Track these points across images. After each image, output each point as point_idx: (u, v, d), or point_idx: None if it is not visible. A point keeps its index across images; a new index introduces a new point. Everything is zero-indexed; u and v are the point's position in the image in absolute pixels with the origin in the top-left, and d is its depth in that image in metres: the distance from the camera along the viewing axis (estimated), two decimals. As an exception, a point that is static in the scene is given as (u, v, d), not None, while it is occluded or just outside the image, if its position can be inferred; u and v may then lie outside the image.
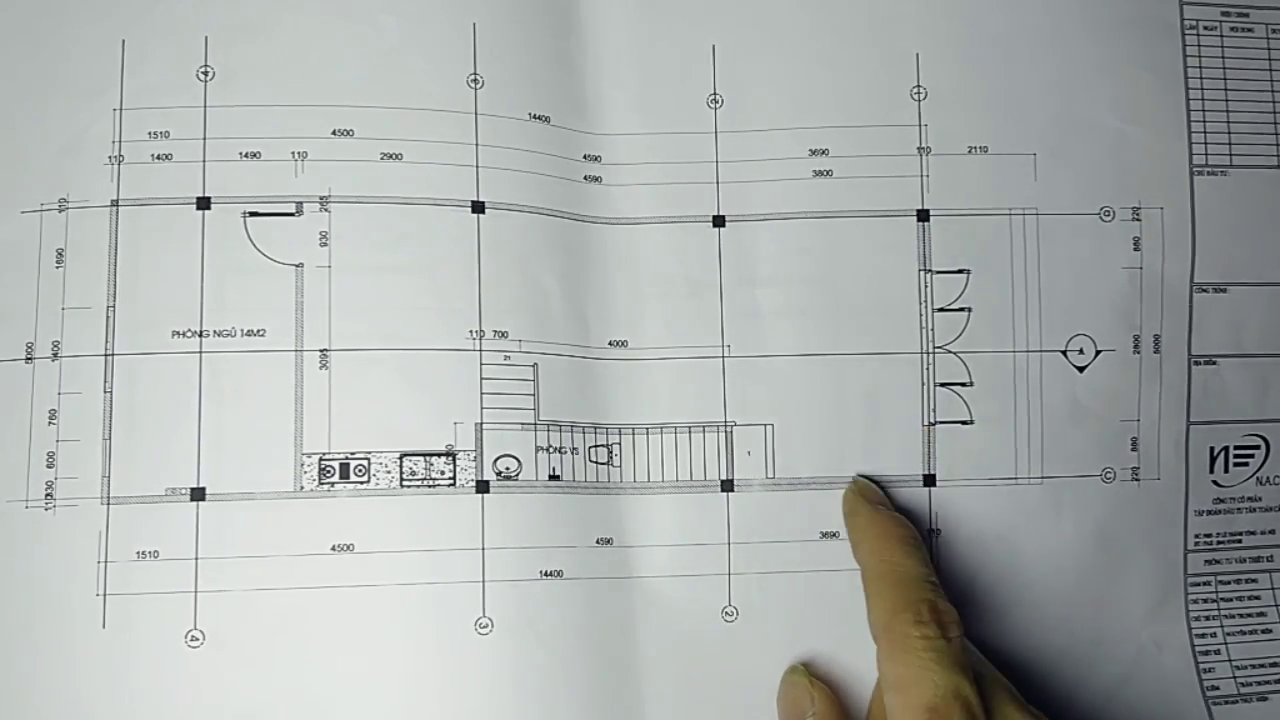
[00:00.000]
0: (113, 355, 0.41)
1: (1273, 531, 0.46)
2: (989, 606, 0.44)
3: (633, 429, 0.43)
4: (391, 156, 0.42)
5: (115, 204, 0.41)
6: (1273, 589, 0.46)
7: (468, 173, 0.42)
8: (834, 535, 0.44)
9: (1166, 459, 0.45)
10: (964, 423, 0.44)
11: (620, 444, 0.43)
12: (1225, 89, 0.46)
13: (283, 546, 0.41)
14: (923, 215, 0.44)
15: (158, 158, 0.41)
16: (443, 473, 0.41)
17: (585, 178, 0.44)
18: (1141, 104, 0.46)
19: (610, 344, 0.44)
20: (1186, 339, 0.45)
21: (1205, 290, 0.45)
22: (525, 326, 0.42)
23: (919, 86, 0.45)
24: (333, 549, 0.41)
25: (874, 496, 0.43)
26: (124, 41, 0.42)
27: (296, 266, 0.41)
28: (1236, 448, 0.46)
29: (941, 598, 0.39)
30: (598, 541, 0.43)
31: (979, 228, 0.45)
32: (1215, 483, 0.46)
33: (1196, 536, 0.46)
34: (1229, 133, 0.46)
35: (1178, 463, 0.45)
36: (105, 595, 0.40)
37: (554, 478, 0.42)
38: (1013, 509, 0.44)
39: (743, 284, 0.44)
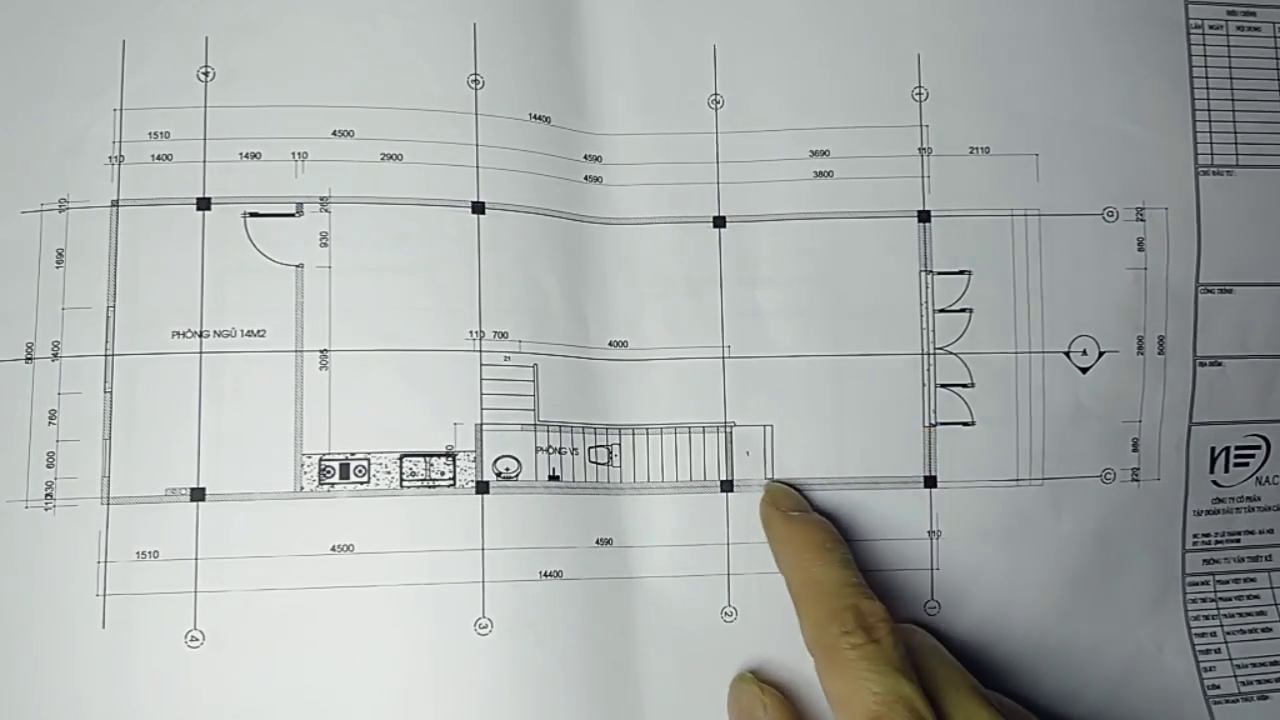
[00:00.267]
0: (113, 355, 0.41)
1: (1271, 531, 0.46)
2: (989, 607, 0.44)
3: (632, 429, 0.43)
4: (392, 157, 0.42)
5: (115, 204, 0.41)
6: (1272, 588, 0.46)
7: (468, 173, 0.42)
8: (834, 536, 0.44)
9: (1167, 459, 0.45)
10: (965, 424, 0.44)
11: (620, 444, 0.43)
12: (1231, 88, 0.46)
13: (283, 547, 0.41)
14: (924, 216, 0.44)
15: (158, 158, 0.41)
16: (443, 473, 0.41)
17: (586, 178, 0.44)
18: (1146, 104, 0.45)
19: (610, 344, 0.44)
20: (1191, 340, 0.45)
21: (1211, 291, 0.45)
22: (525, 327, 0.42)
23: (920, 87, 0.45)
24: (333, 549, 0.41)
25: (788, 503, 0.43)
26: (124, 42, 0.42)
27: (297, 267, 0.41)
28: (1237, 448, 0.46)
29: (865, 597, 0.39)
30: (597, 542, 0.43)
31: (981, 229, 0.44)
32: (1215, 483, 0.46)
33: (1194, 536, 0.45)
34: (1235, 132, 0.46)
35: (1178, 463, 0.45)
36: (105, 595, 0.40)
37: (554, 478, 0.42)
38: (1013, 510, 0.44)
39: (743, 284, 0.44)
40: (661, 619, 0.43)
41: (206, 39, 0.42)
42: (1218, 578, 0.46)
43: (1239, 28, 0.46)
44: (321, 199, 0.42)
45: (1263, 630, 0.46)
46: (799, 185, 0.44)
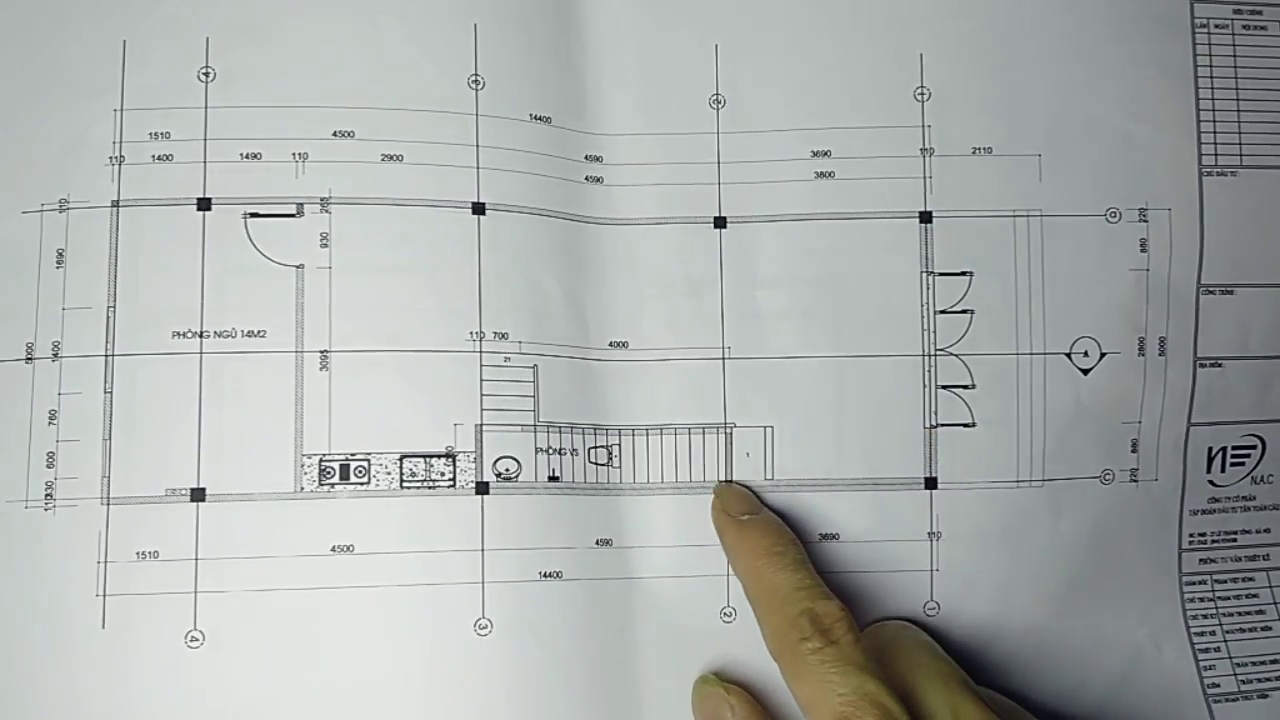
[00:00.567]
0: (113, 356, 0.41)
1: (1268, 530, 0.46)
2: (988, 608, 0.44)
3: (632, 430, 0.43)
4: (392, 158, 0.42)
5: (116, 204, 0.41)
6: (1270, 587, 0.46)
7: (468, 174, 0.42)
8: (834, 537, 0.44)
9: (1165, 460, 0.45)
10: (966, 425, 0.44)
11: (620, 445, 0.43)
12: (1236, 88, 0.46)
13: (283, 547, 0.41)
14: (925, 217, 0.44)
15: (158, 158, 0.41)
16: (443, 474, 0.41)
17: (586, 178, 0.44)
18: (1150, 104, 0.45)
19: (610, 345, 0.44)
20: (1192, 341, 0.45)
21: (1212, 292, 0.45)
22: (525, 328, 0.42)
23: (923, 87, 0.45)
24: (333, 550, 0.41)
25: (738, 506, 0.42)
26: (125, 42, 0.42)
27: (297, 268, 0.41)
28: (1234, 448, 0.46)
29: (820, 598, 0.38)
30: (597, 542, 0.43)
31: (983, 229, 0.44)
32: (1211, 482, 0.46)
33: (1191, 536, 0.46)
34: (1239, 133, 0.45)
35: (1176, 463, 0.45)
36: (105, 595, 0.40)
37: (554, 479, 0.42)
38: (1013, 511, 0.44)
39: (744, 285, 0.44)
40: (661, 619, 0.43)
41: (207, 40, 0.42)
42: (1215, 577, 0.46)
43: (1244, 26, 0.46)
44: (322, 200, 0.42)
45: (1262, 629, 0.46)
46: (800, 186, 0.44)
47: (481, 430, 0.42)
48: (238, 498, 0.41)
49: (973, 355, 0.44)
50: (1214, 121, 0.45)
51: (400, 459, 0.41)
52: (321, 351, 0.41)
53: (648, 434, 0.43)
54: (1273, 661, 0.46)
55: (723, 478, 0.43)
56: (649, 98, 0.44)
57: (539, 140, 0.43)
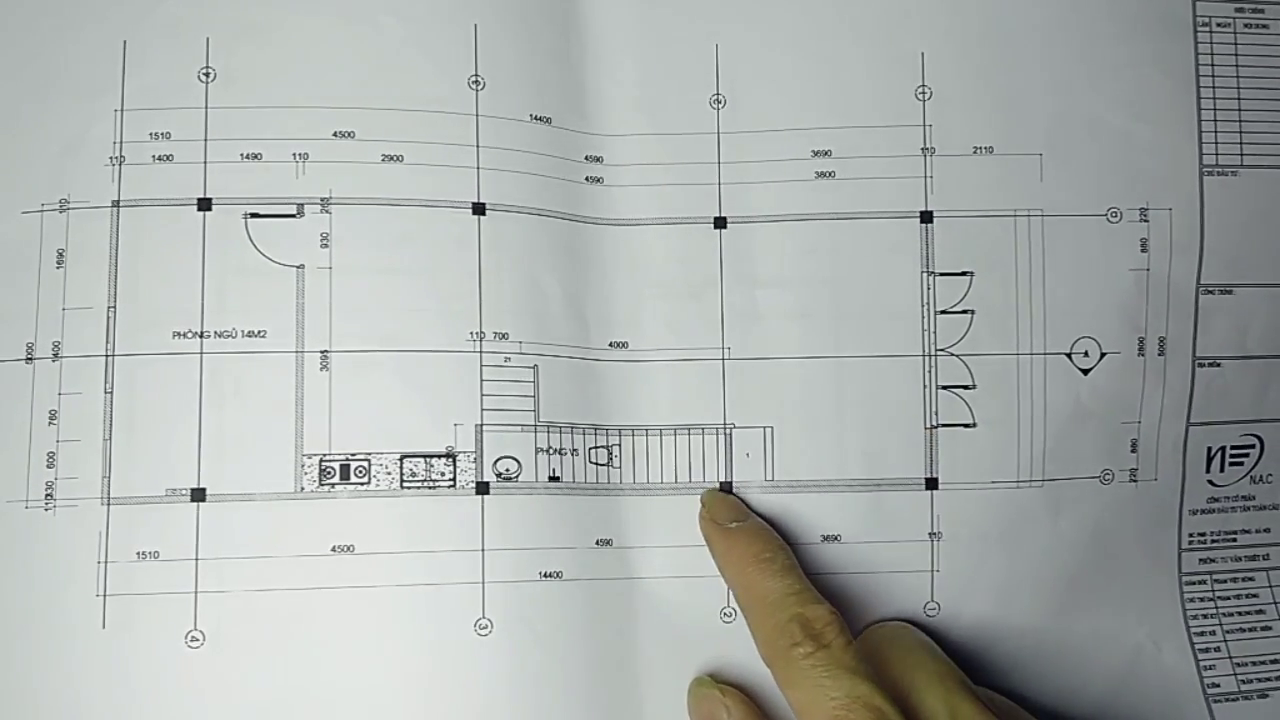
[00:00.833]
0: (113, 356, 0.41)
1: (1268, 530, 0.46)
2: (987, 608, 0.44)
3: (632, 430, 0.43)
4: (392, 158, 0.42)
5: (116, 205, 0.41)
6: (1270, 586, 0.46)
7: (469, 174, 0.42)
8: (835, 539, 0.44)
9: (1165, 460, 0.45)
10: (966, 425, 0.44)
11: (620, 445, 0.43)
12: (1237, 88, 0.46)
13: (283, 547, 0.41)
14: (926, 217, 0.44)
15: (159, 159, 0.41)
16: (443, 474, 0.41)
17: (587, 179, 0.44)
18: (1151, 103, 0.45)
19: (610, 345, 0.43)
20: (1191, 341, 0.45)
21: (1211, 292, 0.45)
22: (525, 328, 0.42)
23: (924, 86, 0.44)
24: (333, 550, 0.41)
25: (726, 514, 0.42)
26: (125, 42, 0.42)
27: (297, 268, 0.41)
28: (1233, 447, 0.46)
29: (811, 603, 0.38)
30: (597, 543, 0.43)
31: (983, 229, 0.44)
32: (1211, 482, 0.46)
33: (1191, 535, 0.46)
34: (1240, 132, 0.45)
35: (1175, 463, 0.45)
36: (105, 595, 0.40)
37: (554, 479, 0.42)
38: (1013, 511, 0.44)
39: (744, 285, 0.44)
40: (661, 619, 0.43)
41: (207, 40, 0.42)
42: (1215, 577, 0.46)
43: (1246, 26, 0.46)
44: (322, 200, 0.42)
45: (1262, 629, 0.46)
46: (801, 186, 0.44)
47: (482, 430, 0.42)
48: (238, 498, 0.41)
49: (973, 355, 0.44)
50: (1215, 121, 0.45)
51: (400, 459, 0.41)
52: (322, 352, 0.41)
53: (648, 434, 0.43)
54: (1273, 661, 0.46)
55: (723, 478, 0.43)
56: (649, 98, 0.44)
57: (539, 140, 0.43)
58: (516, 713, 0.41)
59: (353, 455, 0.41)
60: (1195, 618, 0.46)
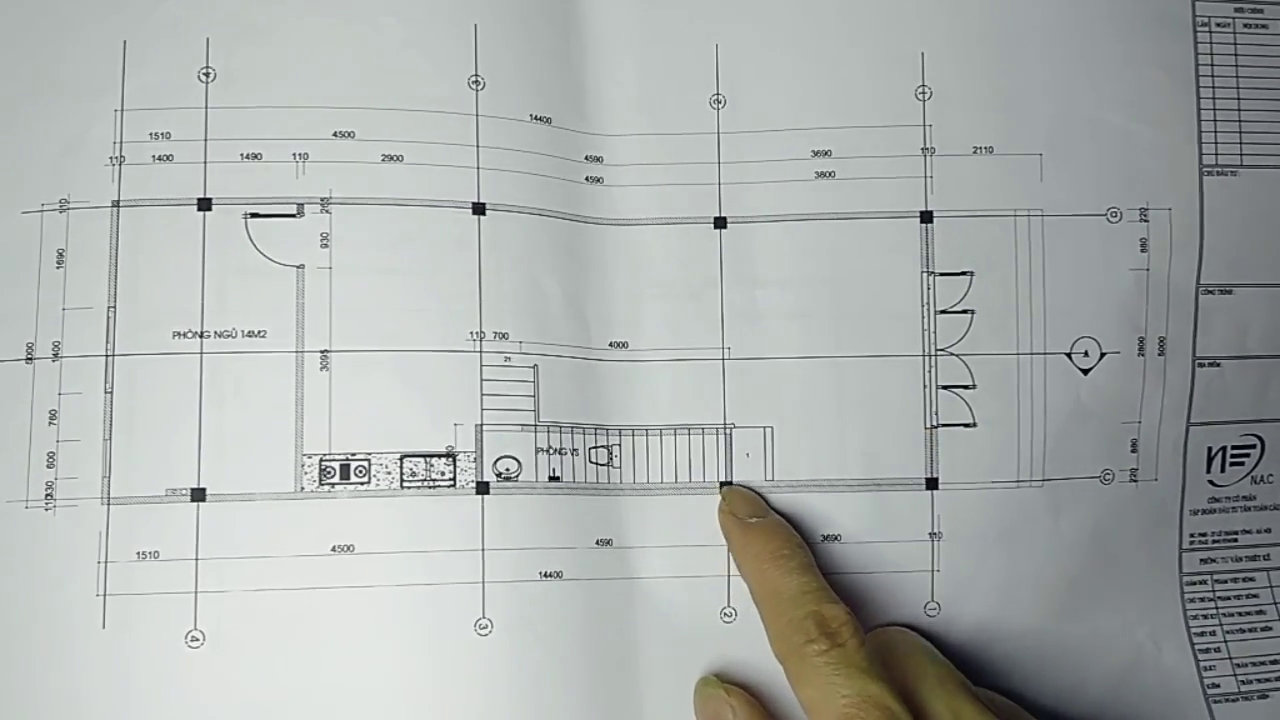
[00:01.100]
0: (113, 356, 0.41)
1: (1268, 530, 0.46)
2: (988, 608, 0.44)
3: (632, 430, 0.43)
4: (392, 158, 0.42)
5: (116, 205, 0.41)
6: (1270, 587, 0.46)
7: (469, 174, 0.42)
8: (835, 538, 0.44)
9: (1165, 460, 0.45)
10: (966, 425, 0.44)
11: (620, 445, 0.43)
12: (1237, 87, 0.46)
13: (283, 547, 0.41)
14: (926, 217, 0.44)
15: (159, 159, 0.41)
16: (443, 474, 0.41)
17: (587, 179, 0.44)
18: (1151, 103, 0.45)
19: (611, 345, 0.44)
20: (1191, 341, 0.45)
21: (1211, 291, 0.45)
22: (526, 328, 0.42)
23: (924, 86, 0.45)
24: (333, 550, 0.41)
25: (745, 509, 0.43)
26: (125, 42, 0.42)
27: (297, 268, 0.41)
28: (1233, 447, 0.46)
29: (827, 602, 0.39)
30: (597, 542, 0.43)
31: (983, 229, 0.44)
32: (1211, 482, 0.46)
33: (1191, 536, 0.45)
34: (1240, 132, 0.45)
35: (1175, 463, 0.45)
36: (105, 595, 0.40)
37: (554, 479, 0.42)
38: (1014, 511, 0.44)
39: (744, 285, 0.44)
40: (661, 619, 0.43)
41: (207, 40, 0.42)
42: (1216, 577, 0.46)
43: (1246, 26, 0.46)
44: (322, 200, 0.42)
45: (1262, 629, 0.46)
46: (801, 186, 0.44)
47: (482, 430, 0.42)
48: (238, 498, 0.41)
49: (973, 355, 0.44)
50: (1214, 121, 0.45)
51: (400, 459, 0.41)
52: (322, 351, 0.41)
53: (648, 434, 0.43)
54: (1273, 662, 0.46)
55: (723, 478, 0.43)
56: (649, 98, 0.44)
57: (539, 140, 0.43)
58: (516, 713, 0.41)
59: (353, 455, 0.41)
60: (1195, 618, 0.46)
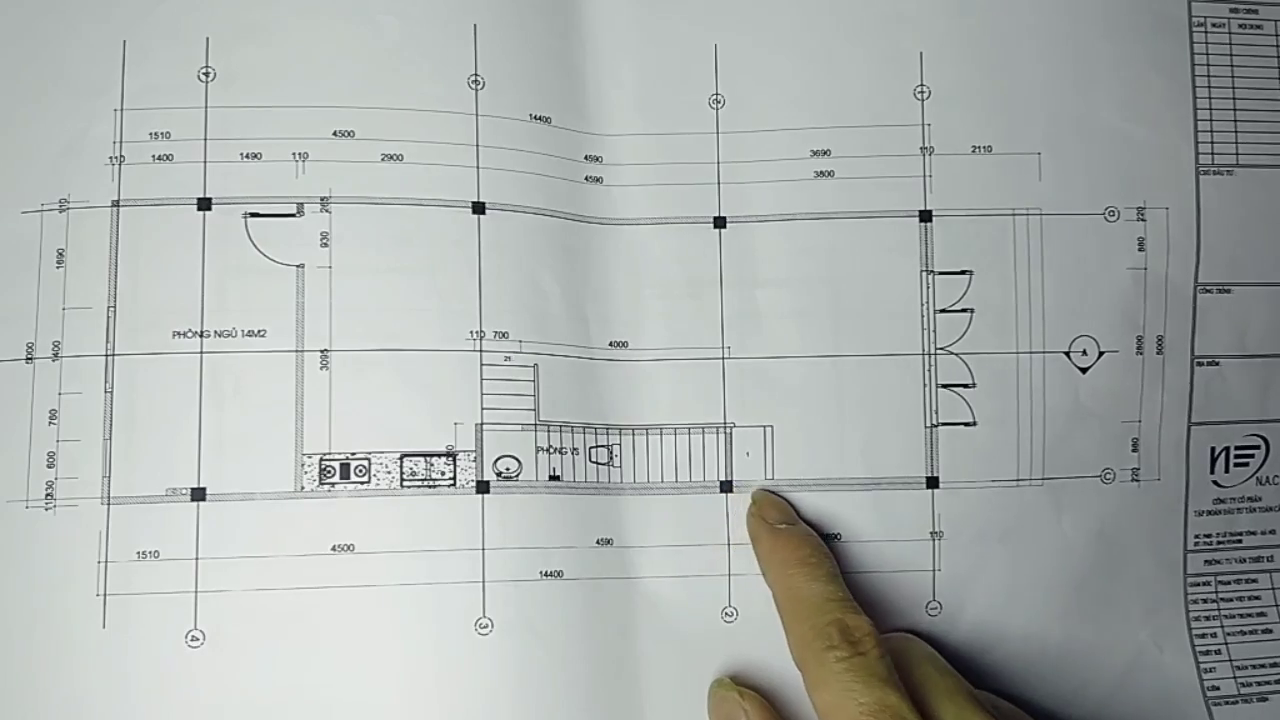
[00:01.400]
0: (113, 355, 0.41)
1: (1273, 531, 0.46)
2: (989, 608, 0.44)
3: (633, 430, 0.43)
4: (392, 157, 0.42)
5: (116, 204, 0.41)
6: (1273, 589, 0.46)
7: (468, 173, 0.42)
8: (835, 538, 0.44)
9: (1167, 460, 0.45)
10: (966, 424, 0.44)
11: (620, 445, 0.43)
12: (1232, 87, 0.46)
13: (283, 547, 0.41)
14: (925, 216, 0.44)
15: (159, 158, 0.41)
16: (443, 473, 0.41)
17: (586, 178, 0.44)
18: (1148, 103, 0.45)
19: (611, 345, 0.44)
20: (1189, 340, 0.45)
21: (1209, 291, 0.45)
22: (526, 327, 0.42)
23: (922, 86, 0.45)
24: (333, 549, 0.41)
25: (775, 515, 0.43)
26: (125, 42, 0.42)
27: (297, 267, 0.42)
28: (1237, 448, 0.46)
29: (850, 612, 0.39)
30: (598, 542, 0.43)
31: (982, 228, 0.44)
32: (1215, 483, 0.46)
33: (1196, 537, 0.45)
34: (1236, 132, 0.46)
35: (1178, 463, 0.45)
36: (105, 595, 0.40)
37: (554, 478, 0.42)
38: (1014, 510, 0.44)
39: (743, 285, 0.44)
40: (661, 619, 0.43)
41: (207, 40, 0.42)
42: (1219, 578, 0.46)
43: (1241, 26, 0.46)
44: (322, 199, 0.42)
45: (1263, 631, 0.46)
46: (800, 185, 0.44)
47: (482, 429, 0.42)
48: (238, 497, 0.41)
49: (973, 354, 0.44)
50: (1211, 121, 0.46)
51: (401, 458, 0.41)
52: (322, 351, 0.41)
53: (648, 434, 0.43)
54: (1273, 665, 0.46)
55: (723, 477, 0.43)
56: (649, 98, 0.44)
57: (539, 140, 0.43)
58: (517, 712, 0.41)
59: (353, 454, 0.41)
60: (1198, 619, 0.45)
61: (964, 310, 0.44)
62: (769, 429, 0.44)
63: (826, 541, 0.43)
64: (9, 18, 0.42)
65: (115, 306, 0.41)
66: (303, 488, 0.41)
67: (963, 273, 0.44)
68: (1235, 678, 0.46)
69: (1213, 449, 0.45)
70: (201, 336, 0.41)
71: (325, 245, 0.42)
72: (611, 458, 0.43)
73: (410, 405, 0.41)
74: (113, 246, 0.41)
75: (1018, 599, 0.44)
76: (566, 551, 0.42)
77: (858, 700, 0.36)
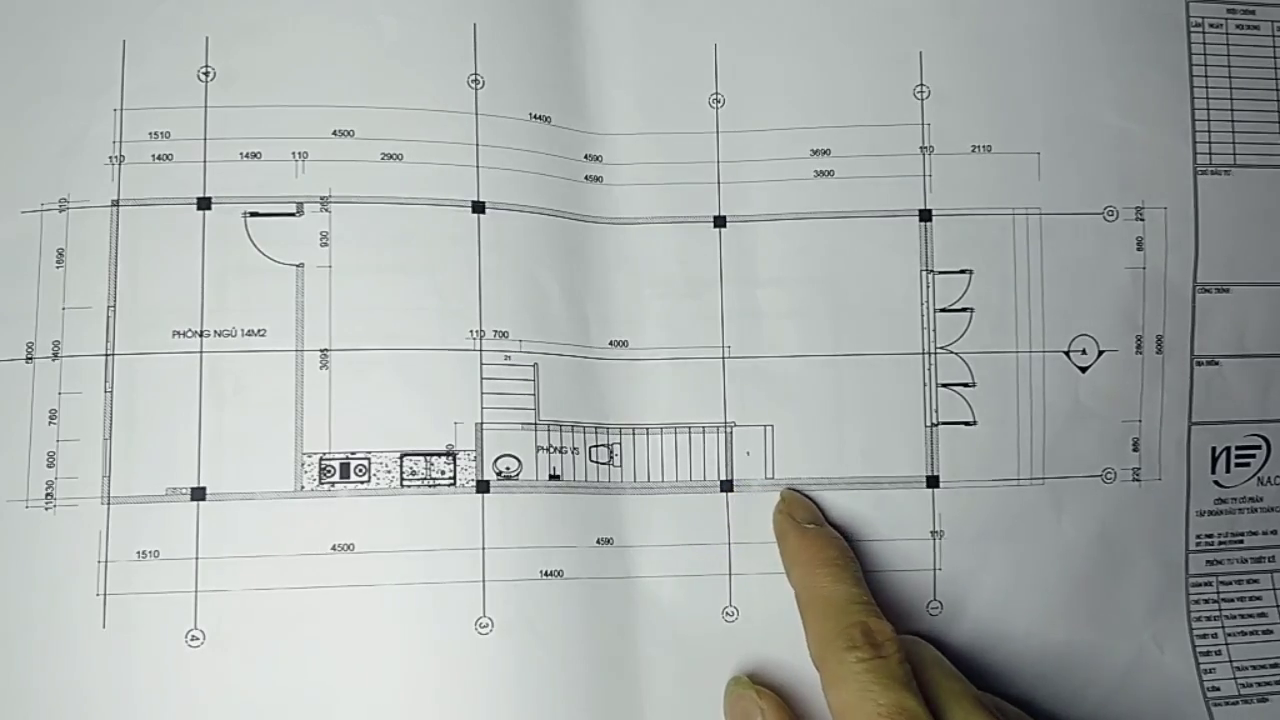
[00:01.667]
0: (113, 355, 0.41)
1: (1274, 532, 0.46)
2: (990, 607, 0.44)
3: (633, 429, 0.43)
4: (392, 157, 0.42)
5: (116, 204, 0.41)
6: (1274, 589, 0.46)
7: (468, 173, 0.42)
8: (835, 536, 0.44)
9: (1168, 459, 0.45)
10: (967, 424, 0.44)
11: (620, 444, 0.43)
12: (1230, 87, 0.46)
13: (283, 546, 0.41)
14: (925, 215, 0.44)
15: (158, 158, 0.42)
16: (443, 472, 0.41)
17: (586, 178, 0.44)
18: (1146, 103, 0.45)
19: (611, 344, 0.44)
20: (1189, 339, 0.45)
21: (1208, 290, 0.45)
22: (526, 326, 0.42)
23: (922, 85, 0.45)
24: (333, 549, 0.41)
25: (803, 514, 0.43)
26: (125, 42, 0.42)
27: (297, 266, 0.42)
28: (1238, 448, 0.46)
29: (874, 615, 0.39)
30: (598, 541, 0.43)
31: (982, 228, 0.44)
32: (1217, 483, 0.46)
33: (1198, 537, 0.45)
34: (1233, 132, 0.46)
35: (1179, 463, 0.45)
36: (105, 595, 0.40)
37: (554, 478, 0.42)
38: (1015, 510, 0.44)
39: (743, 284, 0.44)
40: (662, 619, 0.43)
41: (207, 39, 0.42)
42: (1221, 579, 0.46)
43: (1238, 26, 0.46)
44: (322, 199, 0.42)
45: (1263, 632, 0.46)
46: (800, 185, 0.44)
47: (482, 429, 0.42)
48: (238, 497, 0.41)
49: (973, 353, 0.44)
50: (1209, 121, 0.46)
51: (401, 457, 0.41)
52: (322, 350, 0.41)
53: (648, 433, 0.43)
54: (1273, 665, 0.46)
55: (723, 476, 0.43)
56: (649, 97, 0.44)
57: (539, 139, 0.43)
58: (517, 712, 0.41)
59: (353, 454, 0.41)
60: (1199, 620, 0.45)
61: (964, 309, 0.44)
62: (769, 428, 0.44)
63: (830, 541, 0.44)
64: (9, 18, 0.42)
65: (115, 306, 0.41)
66: (303, 487, 0.41)
67: (962, 272, 0.44)
68: (1236, 678, 0.45)
69: (1214, 449, 0.45)
70: (201, 336, 0.41)
71: (325, 245, 0.42)
72: (612, 457, 0.43)
73: (410, 404, 0.41)
74: (112, 246, 0.41)
75: (1018, 598, 0.44)
76: (567, 551, 0.42)
77: (876, 701, 0.36)
